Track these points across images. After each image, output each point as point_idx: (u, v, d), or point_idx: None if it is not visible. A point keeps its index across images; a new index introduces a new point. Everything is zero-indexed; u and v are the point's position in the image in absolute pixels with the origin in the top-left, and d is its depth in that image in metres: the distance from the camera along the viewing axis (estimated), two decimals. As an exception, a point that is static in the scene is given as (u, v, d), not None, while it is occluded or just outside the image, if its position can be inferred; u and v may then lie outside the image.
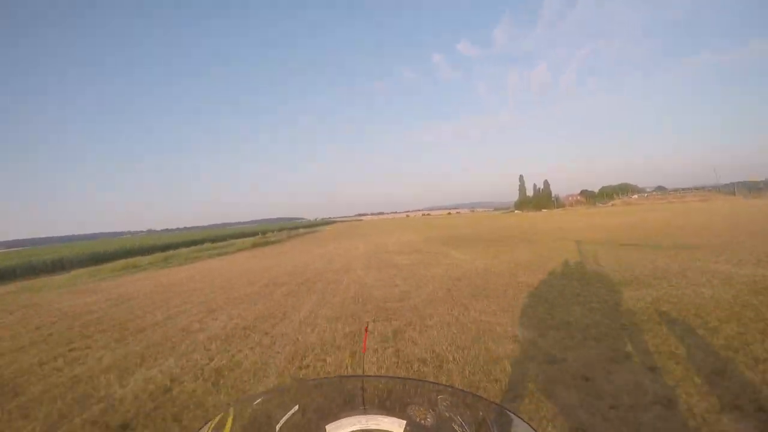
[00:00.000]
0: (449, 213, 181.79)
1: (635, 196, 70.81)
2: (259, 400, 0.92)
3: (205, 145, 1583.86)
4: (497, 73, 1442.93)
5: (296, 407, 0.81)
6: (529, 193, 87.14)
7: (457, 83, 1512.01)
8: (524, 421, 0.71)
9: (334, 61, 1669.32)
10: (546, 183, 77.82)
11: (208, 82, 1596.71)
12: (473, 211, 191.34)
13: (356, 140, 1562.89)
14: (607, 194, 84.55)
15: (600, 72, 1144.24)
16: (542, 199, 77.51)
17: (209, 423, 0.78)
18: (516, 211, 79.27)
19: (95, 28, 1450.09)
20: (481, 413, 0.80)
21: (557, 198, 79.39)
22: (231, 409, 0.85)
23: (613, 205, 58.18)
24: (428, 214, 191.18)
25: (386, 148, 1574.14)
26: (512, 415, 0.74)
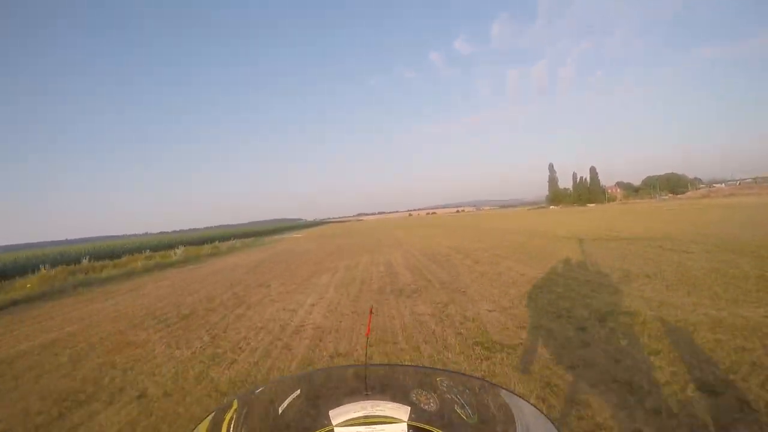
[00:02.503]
0: (457, 211, 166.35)
1: (722, 185, 53.95)
2: (262, 389, 0.93)
3: (204, 147, 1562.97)
4: (497, 71, 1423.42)
5: (298, 391, 0.83)
6: (562, 185, 70.74)
7: (456, 81, 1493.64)
8: (529, 403, 0.69)
9: (331, 60, 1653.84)
10: (593, 171, 60.56)
11: (204, 80, 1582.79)
12: (479, 209, 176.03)
13: (355, 140, 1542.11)
14: (661, 186, 67.90)
15: (605, 64, 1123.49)
16: (585, 192, 60.81)
17: (211, 414, 0.75)
18: (552, 207, 62.76)
19: (93, 27, 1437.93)
20: (485, 397, 0.79)
21: (604, 190, 62.65)
22: (234, 401, 0.81)
23: (705, 197, 41.81)
24: (434, 213, 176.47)
25: (384, 147, 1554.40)
26: (516, 397, 0.73)
